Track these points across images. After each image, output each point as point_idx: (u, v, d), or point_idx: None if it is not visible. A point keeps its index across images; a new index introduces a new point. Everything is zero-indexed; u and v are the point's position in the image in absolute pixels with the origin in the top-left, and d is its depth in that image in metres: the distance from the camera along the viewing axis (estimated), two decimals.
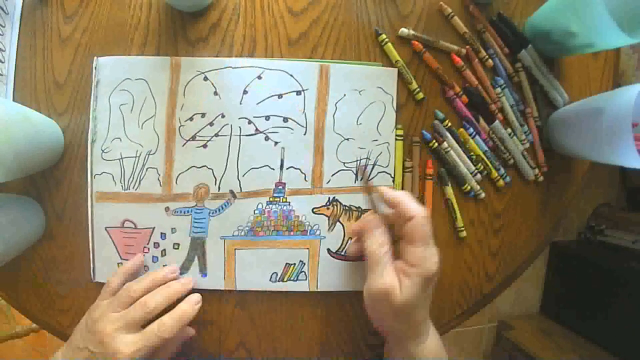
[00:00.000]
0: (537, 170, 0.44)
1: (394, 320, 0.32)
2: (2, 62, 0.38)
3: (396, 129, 0.41)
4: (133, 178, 0.38)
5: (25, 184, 0.39)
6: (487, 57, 0.42)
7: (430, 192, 0.42)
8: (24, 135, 0.33)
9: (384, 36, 0.40)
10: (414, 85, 0.41)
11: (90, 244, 0.39)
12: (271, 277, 0.40)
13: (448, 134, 0.41)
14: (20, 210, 0.37)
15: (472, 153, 0.42)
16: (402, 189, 0.41)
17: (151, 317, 0.33)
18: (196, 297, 0.36)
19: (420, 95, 0.41)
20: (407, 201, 0.32)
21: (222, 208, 0.39)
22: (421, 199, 0.42)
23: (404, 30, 0.40)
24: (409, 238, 0.32)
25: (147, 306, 0.33)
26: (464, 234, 0.42)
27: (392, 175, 0.41)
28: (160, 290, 0.35)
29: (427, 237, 0.31)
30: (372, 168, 0.40)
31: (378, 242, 0.33)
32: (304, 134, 0.39)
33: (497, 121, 0.42)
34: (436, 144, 0.41)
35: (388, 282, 0.31)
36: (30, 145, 0.34)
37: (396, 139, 0.41)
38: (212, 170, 0.39)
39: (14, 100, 0.39)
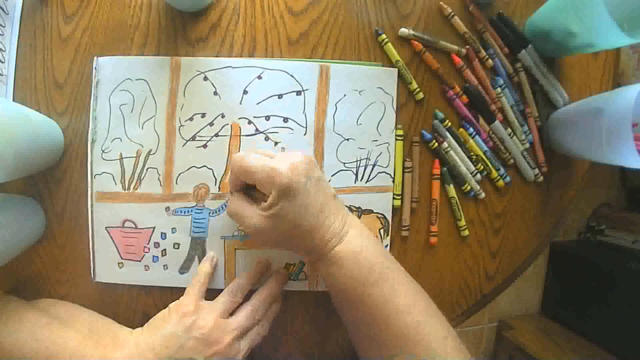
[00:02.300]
0: (537, 171, 0.44)
1: (289, 242, 0.32)
2: (2, 62, 0.38)
3: (396, 129, 0.41)
4: (133, 178, 0.38)
5: (25, 184, 0.39)
6: (487, 57, 0.42)
7: (437, 192, 0.42)
8: (24, 135, 0.33)
9: (384, 36, 0.40)
10: (414, 85, 0.41)
11: (91, 244, 0.39)
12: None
13: (448, 134, 0.41)
14: (20, 210, 0.37)
15: (472, 153, 0.42)
16: (402, 189, 0.41)
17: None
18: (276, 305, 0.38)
19: (420, 95, 0.41)
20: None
21: (223, 208, 0.39)
22: (424, 199, 0.42)
23: (404, 30, 0.40)
24: (249, 180, 0.32)
25: (260, 315, 0.36)
26: (466, 232, 0.42)
27: (392, 176, 0.41)
28: (265, 298, 0.37)
29: (249, 168, 0.31)
30: (372, 168, 0.40)
31: (230, 204, 0.34)
32: (304, 134, 0.39)
33: (497, 121, 0.42)
34: (436, 144, 0.41)
35: (251, 221, 0.32)
36: (30, 145, 0.34)
37: (396, 139, 0.41)
38: (212, 170, 0.39)
39: (14, 100, 0.39)
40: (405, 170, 0.41)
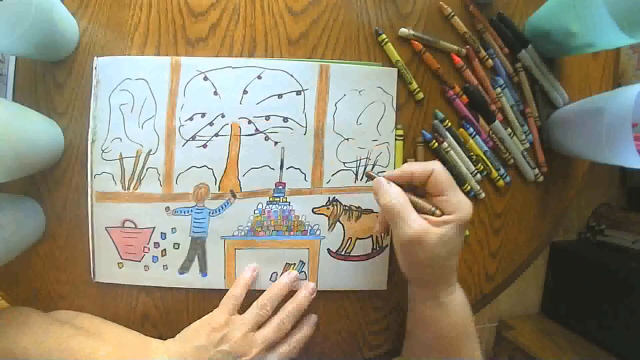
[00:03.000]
0: (537, 170, 0.44)
1: (427, 267, 0.33)
2: (2, 62, 0.38)
3: (396, 129, 0.41)
4: (133, 178, 0.38)
5: (25, 184, 0.39)
6: (487, 57, 0.42)
7: None
8: (24, 135, 0.33)
9: (384, 36, 0.40)
10: (414, 85, 0.41)
11: (91, 244, 0.39)
12: (271, 277, 0.40)
13: (448, 134, 0.41)
14: (20, 210, 0.37)
15: (472, 153, 0.42)
16: None
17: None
18: (313, 317, 0.40)
19: (420, 95, 0.41)
20: (417, 164, 0.34)
21: (222, 208, 0.39)
22: None
23: (404, 30, 0.40)
24: (437, 190, 0.33)
25: (286, 328, 0.36)
26: (466, 232, 0.43)
27: None
28: (293, 311, 0.37)
29: (454, 184, 0.33)
30: (372, 168, 0.40)
31: (392, 195, 0.33)
32: (304, 134, 0.39)
33: (497, 121, 0.42)
34: (436, 144, 0.41)
35: (418, 227, 0.31)
36: (30, 145, 0.34)
37: (396, 139, 0.41)
38: (212, 170, 0.39)
39: (14, 100, 0.39)
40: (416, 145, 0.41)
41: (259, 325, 0.36)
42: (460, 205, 0.32)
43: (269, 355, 0.35)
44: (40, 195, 0.39)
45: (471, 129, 0.42)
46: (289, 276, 0.39)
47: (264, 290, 0.40)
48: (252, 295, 0.40)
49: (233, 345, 0.33)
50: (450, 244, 0.31)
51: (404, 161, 0.41)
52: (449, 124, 0.41)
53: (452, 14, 0.41)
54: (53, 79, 0.39)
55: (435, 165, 0.33)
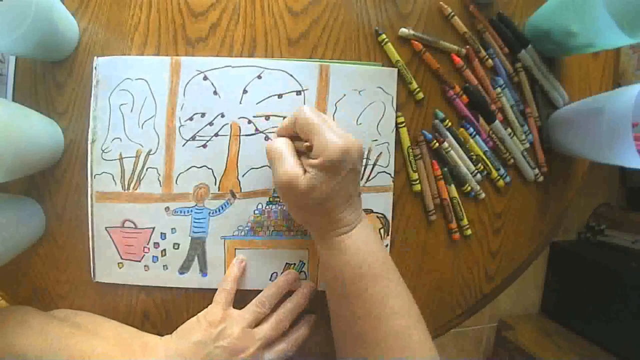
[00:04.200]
0: (537, 170, 0.44)
1: (306, 211, 0.33)
2: (2, 62, 0.38)
3: (397, 116, 0.40)
4: (133, 178, 0.38)
5: (25, 184, 0.39)
6: (487, 57, 0.42)
7: (445, 193, 0.42)
8: (24, 135, 0.33)
9: (384, 36, 0.40)
10: (414, 85, 0.41)
11: (91, 244, 0.39)
12: (271, 277, 0.40)
13: (448, 134, 0.41)
14: (20, 210, 0.37)
15: (472, 153, 0.42)
16: (417, 175, 0.41)
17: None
18: (312, 317, 0.40)
19: (420, 95, 0.41)
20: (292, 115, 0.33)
21: (222, 208, 0.39)
22: (441, 202, 0.42)
23: (404, 30, 0.40)
24: (305, 136, 0.32)
25: (285, 326, 0.36)
26: (468, 232, 0.43)
27: (392, 175, 0.41)
28: (291, 309, 0.37)
29: (318, 126, 0.31)
30: (372, 168, 0.40)
31: (274, 142, 0.33)
32: None
33: (497, 121, 0.42)
34: (437, 144, 0.41)
35: (289, 170, 0.31)
36: (30, 145, 0.34)
37: (399, 127, 0.41)
38: (212, 170, 0.39)
39: (14, 100, 0.39)
40: (416, 158, 0.41)
41: (257, 323, 0.36)
42: (326, 147, 0.30)
43: (267, 353, 0.35)
44: (40, 195, 0.39)
45: (471, 129, 0.42)
46: (288, 275, 0.39)
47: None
48: (252, 295, 0.40)
49: (231, 340, 0.33)
50: (321, 187, 0.30)
51: (412, 148, 0.41)
52: (449, 123, 0.42)
53: (452, 14, 0.41)
54: (53, 79, 0.39)
55: (300, 111, 0.32)
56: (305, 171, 0.31)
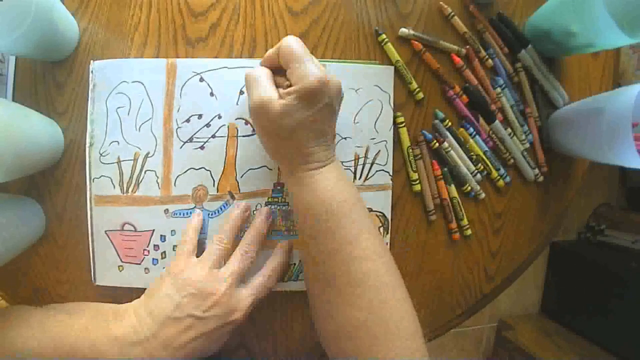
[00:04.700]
0: (537, 171, 0.44)
1: (277, 140, 0.32)
2: (2, 62, 0.38)
3: (396, 117, 0.40)
4: (132, 181, 0.38)
5: (25, 184, 0.39)
6: (487, 57, 0.42)
7: (445, 193, 0.42)
8: (24, 135, 0.33)
9: (383, 36, 0.40)
10: (414, 85, 0.41)
11: (90, 248, 0.38)
12: None
13: (448, 134, 0.41)
14: (20, 210, 0.37)
15: (472, 153, 0.42)
16: (417, 175, 0.41)
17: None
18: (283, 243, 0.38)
19: (420, 95, 0.41)
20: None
21: (221, 209, 0.39)
22: (441, 202, 0.42)
23: (404, 30, 0.40)
24: (286, 63, 0.31)
25: (251, 257, 0.35)
26: (468, 232, 0.43)
27: (391, 174, 0.41)
28: (253, 238, 0.36)
29: (300, 55, 0.30)
30: (371, 166, 0.40)
31: (255, 69, 0.33)
32: None
33: (497, 121, 0.42)
34: (437, 144, 0.41)
35: (263, 93, 0.31)
36: (30, 145, 0.34)
37: (399, 127, 0.41)
38: (210, 171, 0.39)
39: (14, 100, 0.39)
40: (416, 158, 0.41)
41: (222, 263, 0.35)
42: (305, 75, 0.30)
43: (243, 290, 0.34)
44: (40, 195, 0.39)
45: (471, 129, 0.42)
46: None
47: None
48: None
49: (198, 285, 0.32)
50: (295, 115, 0.30)
51: (412, 148, 0.41)
52: (449, 123, 0.42)
53: (452, 14, 0.41)
54: (53, 79, 0.39)
55: (285, 39, 0.31)
56: (280, 97, 0.31)
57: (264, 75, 0.32)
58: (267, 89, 0.31)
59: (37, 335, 0.32)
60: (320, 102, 0.30)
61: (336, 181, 0.32)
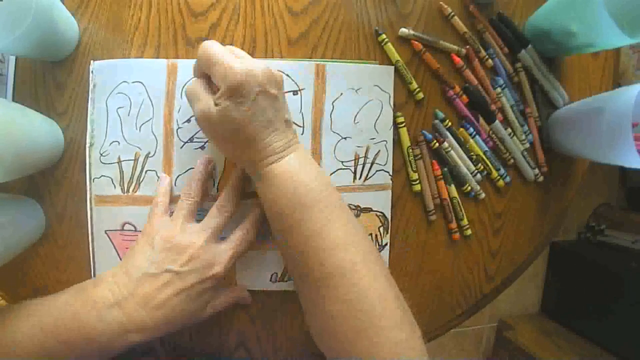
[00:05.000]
0: (537, 170, 0.44)
1: (229, 143, 0.32)
2: (2, 62, 0.38)
3: (396, 117, 0.40)
4: (132, 181, 0.38)
5: (25, 184, 0.39)
6: (487, 57, 0.42)
7: (445, 193, 0.42)
8: (24, 135, 0.33)
9: (383, 36, 0.40)
10: (414, 85, 0.41)
11: (91, 248, 0.38)
12: (271, 278, 0.40)
13: (448, 134, 0.41)
14: (20, 210, 0.37)
15: (472, 153, 0.42)
16: (417, 175, 0.41)
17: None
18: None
19: (420, 95, 0.41)
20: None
21: None
22: (441, 202, 0.42)
23: (404, 30, 0.40)
24: (208, 69, 0.31)
25: (227, 210, 0.34)
26: (468, 232, 0.43)
27: (391, 174, 0.41)
28: (228, 194, 0.35)
29: (214, 57, 0.30)
30: (371, 166, 0.40)
31: (189, 85, 0.33)
32: (302, 134, 0.39)
33: (497, 121, 0.42)
34: (437, 144, 0.41)
35: (200, 106, 0.31)
36: (30, 145, 0.34)
37: (399, 127, 0.41)
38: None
39: (14, 100, 0.39)
40: (416, 158, 0.41)
41: (195, 217, 0.35)
42: (224, 74, 0.29)
43: (222, 244, 0.34)
44: (40, 195, 0.39)
45: (471, 129, 0.42)
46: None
47: (264, 291, 0.40)
48: (253, 295, 0.40)
49: (173, 240, 0.32)
50: (232, 114, 0.30)
51: (412, 148, 0.41)
52: (449, 123, 0.42)
53: (452, 14, 0.41)
54: (53, 79, 0.39)
55: (200, 47, 0.31)
56: (215, 104, 0.30)
57: (198, 87, 0.32)
58: (202, 100, 0.31)
59: (26, 322, 0.31)
60: (251, 93, 0.30)
61: (297, 171, 0.31)
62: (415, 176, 0.41)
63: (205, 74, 0.33)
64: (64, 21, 0.36)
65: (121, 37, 0.39)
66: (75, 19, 0.38)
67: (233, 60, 0.30)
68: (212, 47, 0.31)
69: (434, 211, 0.42)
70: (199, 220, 0.35)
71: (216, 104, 0.30)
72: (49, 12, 0.33)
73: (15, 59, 0.38)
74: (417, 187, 0.41)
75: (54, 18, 0.34)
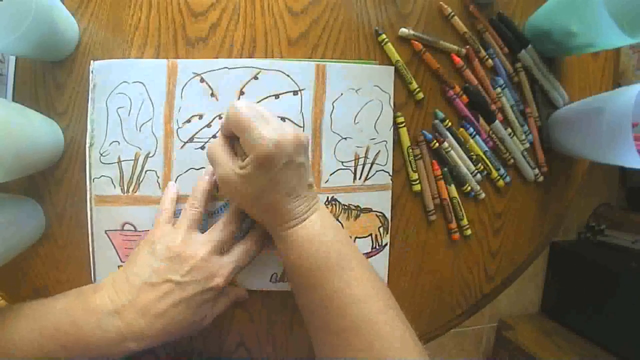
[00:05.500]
0: (537, 171, 0.44)
1: (252, 207, 0.32)
2: (2, 62, 0.38)
3: (396, 117, 0.40)
4: (132, 181, 0.38)
5: (25, 184, 0.39)
6: (487, 57, 0.42)
7: (445, 193, 0.42)
8: (24, 135, 0.33)
9: (384, 36, 0.40)
10: (414, 85, 0.41)
11: (90, 248, 0.38)
12: (271, 278, 0.40)
13: (448, 134, 0.41)
14: (20, 210, 0.37)
15: (472, 153, 0.42)
16: (417, 175, 0.41)
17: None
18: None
19: (420, 95, 0.41)
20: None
21: (221, 210, 0.39)
22: (441, 202, 0.42)
23: (404, 30, 0.40)
24: (236, 133, 0.31)
25: (233, 228, 0.35)
26: (468, 232, 0.43)
27: (391, 174, 0.41)
28: (235, 209, 0.35)
29: (245, 124, 0.30)
30: (371, 167, 0.40)
31: (211, 146, 0.33)
32: None
33: (497, 121, 0.42)
34: (437, 144, 0.41)
35: (222, 172, 0.32)
36: (30, 145, 0.34)
37: (399, 127, 0.41)
38: None
39: (14, 100, 0.39)
40: (416, 158, 0.41)
41: (199, 226, 0.35)
42: (253, 145, 0.29)
43: (225, 257, 0.34)
44: (40, 195, 0.39)
45: (471, 129, 0.42)
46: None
47: (264, 291, 0.40)
48: (252, 294, 0.40)
49: (175, 249, 0.32)
50: (255, 182, 0.30)
51: (412, 148, 0.41)
52: (449, 123, 0.42)
53: (452, 14, 0.41)
54: (53, 79, 0.39)
55: (230, 107, 0.31)
56: (239, 167, 0.31)
57: (220, 150, 0.33)
58: (224, 165, 0.32)
59: (26, 325, 0.31)
60: (278, 164, 0.30)
61: (319, 234, 0.32)
62: (415, 176, 0.41)
63: (232, 134, 0.33)
64: (64, 21, 0.36)
65: (121, 37, 0.39)
66: (75, 19, 0.38)
67: (263, 128, 0.30)
68: (242, 112, 0.31)
69: (433, 211, 0.42)
70: (202, 230, 0.35)
71: (240, 168, 0.31)
72: (49, 12, 0.33)
73: (15, 59, 0.38)
74: (417, 187, 0.41)
75: (54, 18, 0.34)
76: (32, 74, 0.39)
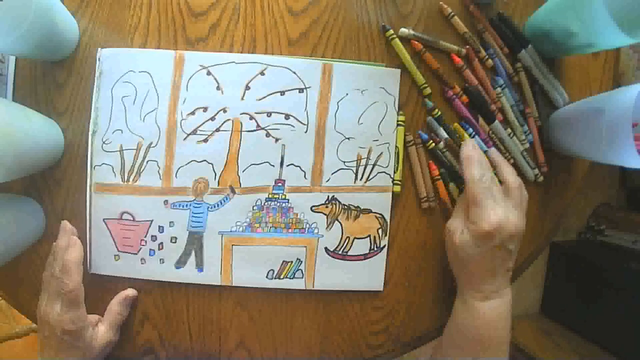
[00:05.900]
0: (537, 171, 0.44)
1: (453, 261, 0.37)
2: (2, 62, 0.38)
3: (399, 115, 0.40)
4: (133, 170, 0.38)
5: (25, 184, 0.39)
6: (487, 57, 0.42)
7: (445, 193, 0.42)
8: (24, 135, 0.33)
9: (391, 32, 0.40)
10: (420, 79, 0.41)
11: (88, 235, 0.39)
12: (267, 274, 0.40)
13: (441, 129, 0.41)
14: (20, 210, 0.37)
15: None
16: (416, 176, 0.41)
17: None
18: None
19: (428, 91, 0.41)
20: (472, 166, 0.36)
21: (221, 203, 0.39)
22: (436, 200, 0.42)
23: (404, 30, 0.40)
24: (470, 202, 0.35)
25: (66, 285, 0.34)
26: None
27: (392, 176, 0.41)
28: (69, 265, 0.34)
29: (478, 200, 0.34)
30: (372, 168, 0.40)
31: (453, 217, 0.38)
32: (305, 132, 0.39)
33: (497, 121, 0.42)
34: (433, 144, 0.41)
35: (451, 224, 0.37)
36: (30, 145, 0.34)
37: (398, 125, 0.41)
38: (212, 165, 0.39)
39: (14, 100, 0.39)
40: (408, 145, 0.41)
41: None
42: (479, 220, 0.34)
43: (100, 325, 0.36)
44: (40, 195, 0.39)
45: (471, 129, 0.42)
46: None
47: (264, 291, 0.40)
48: (251, 292, 0.40)
49: (63, 327, 0.33)
50: (467, 250, 0.34)
51: (407, 145, 0.41)
52: (439, 113, 0.41)
53: (452, 14, 0.41)
54: (53, 79, 0.39)
55: (467, 182, 0.35)
56: (463, 230, 0.35)
57: (462, 207, 0.37)
58: (455, 221, 0.37)
59: None
60: (491, 243, 0.34)
61: (494, 319, 0.35)
62: (398, 176, 0.41)
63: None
64: (64, 21, 0.36)
65: (121, 37, 0.39)
66: (75, 19, 0.38)
67: (492, 209, 0.34)
68: (476, 187, 0.34)
69: (433, 211, 0.42)
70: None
71: (463, 231, 0.35)
72: (49, 12, 0.33)
73: (15, 59, 0.38)
74: (397, 189, 0.41)
75: (54, 18, 0.35)
76: (32, 74, 0.39)
